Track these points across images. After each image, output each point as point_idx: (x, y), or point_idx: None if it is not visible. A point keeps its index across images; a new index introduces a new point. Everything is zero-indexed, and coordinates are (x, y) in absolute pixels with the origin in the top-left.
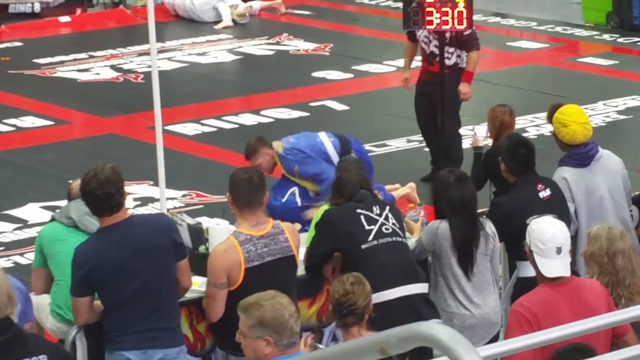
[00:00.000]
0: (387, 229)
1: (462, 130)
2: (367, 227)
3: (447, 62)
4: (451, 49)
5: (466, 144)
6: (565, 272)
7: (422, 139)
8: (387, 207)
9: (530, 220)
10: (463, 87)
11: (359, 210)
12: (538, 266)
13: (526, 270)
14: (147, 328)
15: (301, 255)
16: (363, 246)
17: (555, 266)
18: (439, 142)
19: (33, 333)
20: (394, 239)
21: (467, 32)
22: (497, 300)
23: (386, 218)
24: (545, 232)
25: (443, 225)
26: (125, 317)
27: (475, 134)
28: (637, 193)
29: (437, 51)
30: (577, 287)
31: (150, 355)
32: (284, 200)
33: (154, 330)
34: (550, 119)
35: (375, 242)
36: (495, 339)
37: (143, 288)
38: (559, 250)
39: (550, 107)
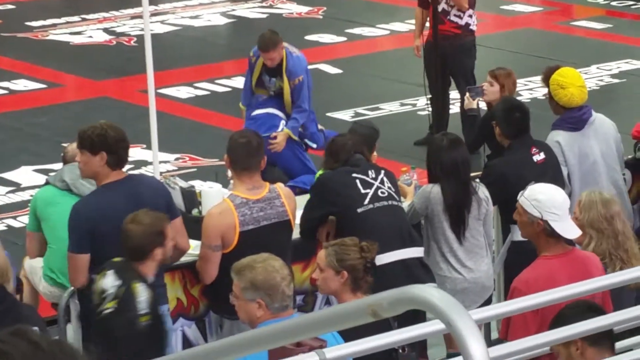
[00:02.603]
0: (382, 192)
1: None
2: (362, 191)
3: (459, 22)
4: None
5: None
6: (579, 230)
7: (415, 102)
8: (382, 171)
9: (526, 193)
10: None
11: (354, 174)
12: (559, 231)
13: (520, 233)
14: None
15: (298, 219)
16: (359, 210)
17: (572, 227)
18: (445, 105)
19: (28, 305)
20: (390, 202)
21: None
22: (490, 264)
23: (381, 182)
24: (557, 197)
25: (435, 189)
26: None
27: (468, 96)
28: (629, 157)
29: (448, 8)
30: (580, 258)
31: None
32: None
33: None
34: (546, 81)
35: (371, 206)
36: (487, 302)
37: None
38: (569, 213)
39: (546, 69)
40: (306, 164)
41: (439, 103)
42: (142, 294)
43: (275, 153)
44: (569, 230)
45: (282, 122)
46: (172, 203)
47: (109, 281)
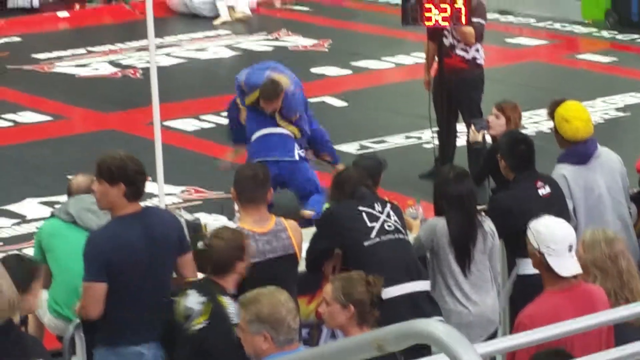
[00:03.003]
0: (389, 226)
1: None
2: (369, 224)
3: (465, 56)
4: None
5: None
6: (579, 269)
7: (420, 134)
8: (388, 204)
9: (532, 224)
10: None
11: (360, 207)
12: (553, 267)
13: (526, 267)
14: (158, 318)
15: (304, 252)
16: (365, 243)
17: (572, 264)
18: (451, 138)
19: (33, 337)
20: (396, 236)
21: (475, 20)
22: (496, 298)
23: (388, 215)
24: (557, 232)
25: (441, 222)
26: (138, 307)
27: (473, 129)
28: (635, 190)
29: (454, 42)
30: (586, 293)
31: (161, 346)
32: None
33: (163, 322)
34: (551, 115)
35: (377, 240)
36: (493, 336)
37: (155, 278)
38: (570, 249)
39: (552, 102)
40: (316, 183)
41: (445, 135)
42: (230, 305)
43: (287, 175)
44: (565, 266)
45: (296, 147)
46: (184, 237)
47: (192, 299)
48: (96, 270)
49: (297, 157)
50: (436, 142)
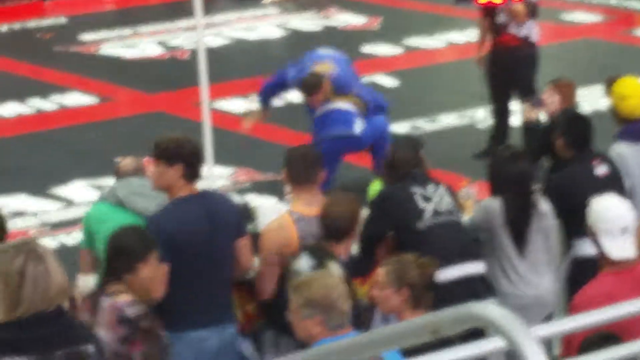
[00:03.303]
0: (442, 207)
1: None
2: (422, 206)
3: (518, 34)
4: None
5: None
6: (632, 253)
7: (473, 114)
8: (442, 186)
9: (593, 201)
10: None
11: (413, 189)
12: (603, 247)
13: (583, 248)
14: (220, 302)
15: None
16: (418, 225)
17: (622, 247)
18: (505, 116)
19: (82, 322)
20: (450, 217)
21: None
22: (552, 280)
23: (441, 196)
24: (611, 211)
25: (496, 203)
26: (199, 290)
27: (528, 107)
28: None
29: (507, 20)
30: None
31: (224, 330)
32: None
33: (225, 305)
34: (608, 92)
35: (430, 222)
36: (549, 319)
37: (216, 261)
38: (624, 230)
39: (608, 78)
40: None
41: (500, 114)
42: (335, 271)
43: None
44: (615, 248)
45: (356, 120)
46: (243, 222)
47: (303, 262)
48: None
49: (357, 130)
50: (490, 121)
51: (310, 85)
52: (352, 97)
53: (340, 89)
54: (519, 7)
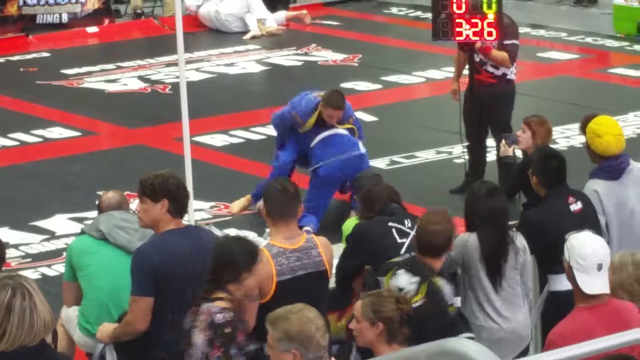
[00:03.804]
0: None
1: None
2: (399, 240)
3: (496, 72)
4: None
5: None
6: (606, 289)
7: (451, 149)
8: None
9: (569, 236)
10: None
11: (390, 224)
12: (578, 283)
13: (557, 284)
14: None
15: (335, 268)
16: (395, 260)
17: (596, 283)
18: (481, 153)
19: (66, 355)
20: None
21: (508, 42)
22: (527, 314)
23: None
24: (587, 247)
25: (472, 238)
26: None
27: (504, 143)
28: None
29: (485, 60)
30: (617, 310)
31: None
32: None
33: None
34: (583, 130)
35: (407, 256)
36: (524, 353)
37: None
38: (599, 267)
39: (584, 117)
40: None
41: (476, 150)
42: (445, 286)
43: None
44: (590, 284)
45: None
46: None
47: (404, 279)
48: (144, 283)
49: (363, 150)
50: (466, 157)
51: (339, 98)
52: (351, 124)
53: (345, 117)
54: (502, 54)
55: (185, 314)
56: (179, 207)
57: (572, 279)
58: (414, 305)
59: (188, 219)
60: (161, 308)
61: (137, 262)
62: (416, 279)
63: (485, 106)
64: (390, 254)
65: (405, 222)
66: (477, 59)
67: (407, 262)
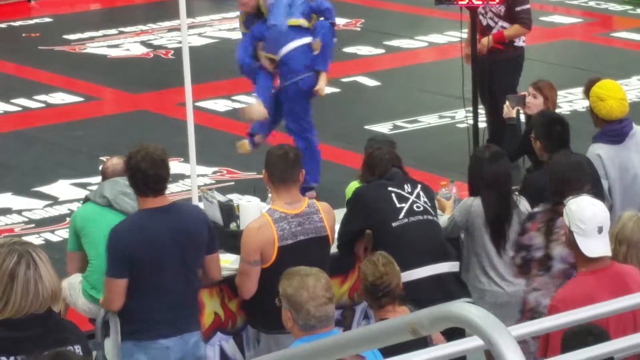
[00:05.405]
0: (418, 207)
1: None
2: (398, 205)
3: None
4: (506, 24)
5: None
6: (607, 251)
7: (454, 114)
8: (419, 185)
9: (567, 201)
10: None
11: (390, 188)
12: (579, 247)
13: None
14: (183, 313)
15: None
16: (394, 224)
17: (597, 246)
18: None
19: (72, 323)
20: (425, 217)
21: (519, 8)
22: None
23: (417, 196)
24: (586, 211)
25: (476, 202)
26: (162, 301)
27: (507, 105)
28: None
29: (492, 24)
30: (619, 274)
31: (186, 340)
32: None
33: (188, 315)
34: (587, 94)
35: (406, 220)
36: None
37: (181, 274)
38: (600, 230)
39: (588, 81)
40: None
41: (490, 114)
42: None
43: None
44: (591, 247)
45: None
46: (214, 235)
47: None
48: (118, 266)
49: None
50: (470, 121)
51: None
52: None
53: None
54: (514, 29)
55: (161, 294)
56: (147, 189)
57: (572, 243)
58: None
59: (190, 184)
60: (140, 288)
61: (113, 243)
62: None
63: (488, 72)
64: (388, 219)
65: (405, 186)
66: (484, 23)
67: None
